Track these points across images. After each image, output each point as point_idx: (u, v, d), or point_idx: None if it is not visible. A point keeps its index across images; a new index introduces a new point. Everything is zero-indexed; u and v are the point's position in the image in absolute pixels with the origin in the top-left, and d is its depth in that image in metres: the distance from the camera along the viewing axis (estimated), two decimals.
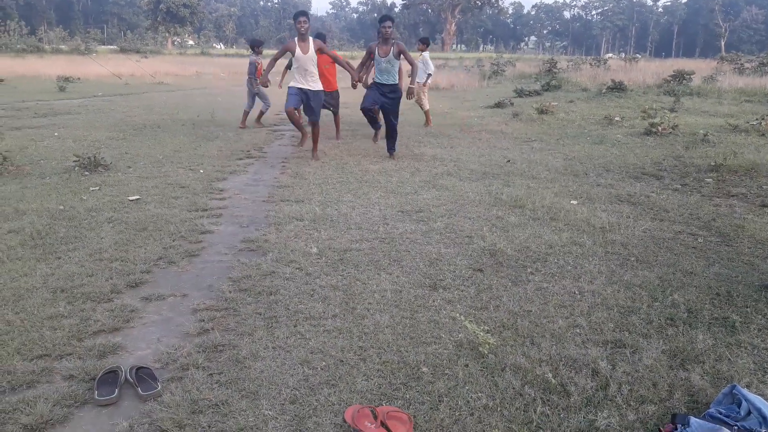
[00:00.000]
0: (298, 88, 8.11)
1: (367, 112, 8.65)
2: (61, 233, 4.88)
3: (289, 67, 10.14)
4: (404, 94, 8.75)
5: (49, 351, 3.03)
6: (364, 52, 9.05)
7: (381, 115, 9.03)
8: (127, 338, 3.23)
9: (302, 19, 7.82)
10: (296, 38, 7.98)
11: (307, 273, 4.17)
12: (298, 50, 7.95)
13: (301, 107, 8.48)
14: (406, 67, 9.34)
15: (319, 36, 9.40)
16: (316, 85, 8.21)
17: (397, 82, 8.44)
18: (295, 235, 5.00)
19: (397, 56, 8.25)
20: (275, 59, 8.21)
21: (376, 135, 9.94)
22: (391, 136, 8.67)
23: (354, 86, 8.73)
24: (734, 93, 17.89)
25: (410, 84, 8.95)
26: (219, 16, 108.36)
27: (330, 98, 10.02)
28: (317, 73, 8.24)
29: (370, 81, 8.77)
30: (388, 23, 8.20)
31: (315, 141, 8.63)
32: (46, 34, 60.15)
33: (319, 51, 8.15)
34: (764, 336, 3.26)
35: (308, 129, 9.30)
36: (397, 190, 6.69)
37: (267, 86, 9.08)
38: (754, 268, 4.34)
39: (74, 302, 3.60)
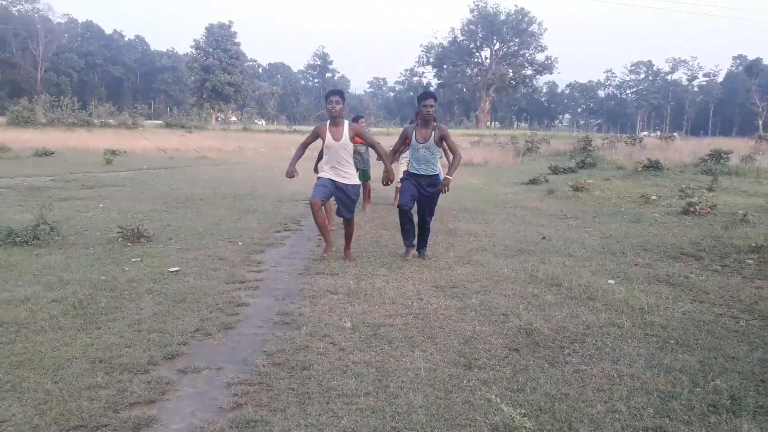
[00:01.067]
0: (329, 179, 6.76)
1: (405, 212, 7.04)
2: (102, 303, 4.99)
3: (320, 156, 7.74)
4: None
5: (86, 422, 3.06)
6: (399, 135, 7.72)
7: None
8: (162, 411, 3.24)
9: (335, 99, 6.55)
10: (327, 122, 6.72)
11: (340, 348, 4.17)
12: (328, 136, 6.62)
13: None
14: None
15: (356, 119, 9.14)
16: (351, 179, 6.80)
17: (437, 172, 7.08)
18: (330, 308, 5.03)
19: (439, 142, 6.92)
20: (305, 145, 6.88)
21: (408, 251, 7.23)
22: (423, 235, 7.21)
23: (386, 183, 6.94)
24: None
25: (447, 174, 7.07)
26: (262, 94, 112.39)
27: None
28: (352, 163, 6.88)
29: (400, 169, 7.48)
30: (430, 101, 6.77)
31: (348, 240, 7.09)
32: (96, 110, 62.89)
33: (356, 137, 6.82)
34: None
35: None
36: (431, 265, 6.71)
37: (293, 176, 6.86)
38: None
39: (112, 373, 3.65)
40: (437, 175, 7.05)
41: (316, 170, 7.93)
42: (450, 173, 6.97)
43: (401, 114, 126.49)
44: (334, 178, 6.72)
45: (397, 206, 7.08)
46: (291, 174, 6.80)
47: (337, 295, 5.47)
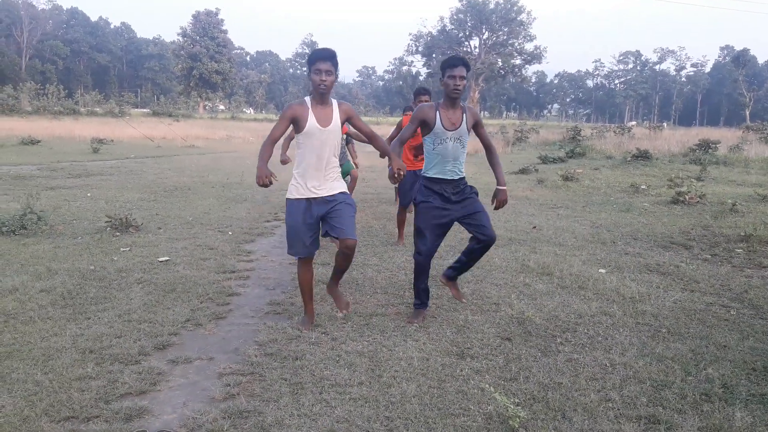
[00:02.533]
0: (306, 200, 4.27)
1: (425, 266, 4.66)
2: (92, 293, 4.94)
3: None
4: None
5: (77, 413, 3.02)
6: (406, 118, 6.75)
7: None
8: (154, 402, 3.21)
9: (324, 67, 4.17)
10: (307, 99, 4.30)
11: (333, 338, 4.15)
12: (311, 120, 4.20)
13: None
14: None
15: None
16: (337, 185, 4.38)
17: (464, 175, 4.73)
18: (321, 298, 5.00)
19: (471, 130, 4.66)
20: (274, 141, 4.20)
21: (417, 314, 4.64)
22: (469, 264, 4.89)
23: (398, 177, 4.35)
24: (761, 162, 17.85)
25: (499, 185, 4.71)
26: (250, 82, 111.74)
27: None
28: (338, 162, 4.45)
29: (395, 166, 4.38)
30: (461, 70, 4.46)
31: (340, 273, 4.59)
32: (83, 98, 62.35)
33: (347, 121, 4.50)
34: None
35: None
36: None
37: (269, 184, 4.20)
38: None
39: (102, 363, 3.61)
40: (464, 179, 4.70)
41: (284, 161, 6.59)
42: (501, 180, 4.71)
43: (390, 103, 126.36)
44: (317, 194, 4.27)
45: (419, 253, 4.60)
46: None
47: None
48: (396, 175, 4.37)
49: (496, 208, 4.77)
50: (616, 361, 3.83)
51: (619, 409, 3.18)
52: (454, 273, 4.90)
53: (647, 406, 3.21)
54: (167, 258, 6.24)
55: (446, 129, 4.51)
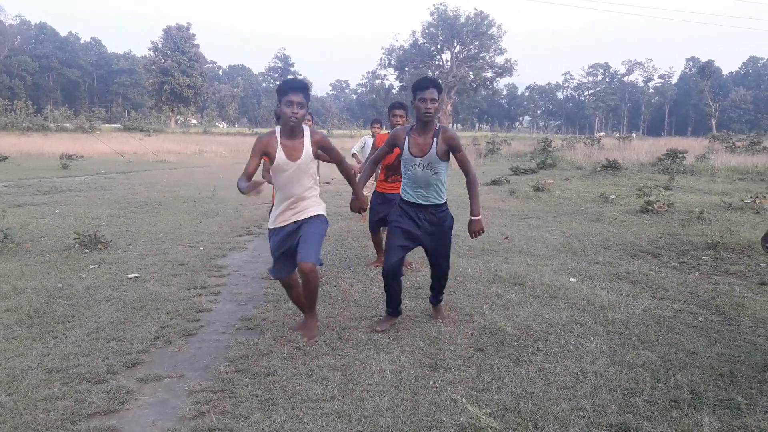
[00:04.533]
0: (281, 228, 4.33)
1: (393, 277, 4.54)
2: (59, 312, 4.85)
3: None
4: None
5: None
6: (380, 137, 6.69)
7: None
8: (122, 421, 3.16)
9: (296, 99, 4.05)
10: (277, 130, 4.21)
11: (305, 353, 4.12)
12: (280, 154, 4.13)
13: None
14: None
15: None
16: (310, 211, 4.33)
17: (442, 201, 4.60)
18: (294, 312, 4.97)
19: (445, 156, 4.45)
20: (249, 176, 4.04)
21: (387, 320, 4.71)
22: (440, 284, 4.86)
23: (358, 211, 4.63)
24: (727, 171, 18.22)
25: (472, 215, 4.63)
26: (222, 96, 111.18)
27: None
28: (318, 187, 4.46)
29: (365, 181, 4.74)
30: (432, 92, 4.35)
31: (308, 301, 4.45)
32: (52, 113, 61.47)
33: (320, 151, 4.37)
34: None
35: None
36: None
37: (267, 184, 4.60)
38: (756, 347, 4.30)
39: (69, 383, 3.54)
40: (443, 205, 4.59)
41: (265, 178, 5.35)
42: (475, 211, 4.61)
43: (364, 116, 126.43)
44: (287, 222, 4.30)
45: (383, 272, 4.54)
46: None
47: (301, 299, 5.40)
48: (356, 210, 4.58)
49: (473, 238, 4.71)
50: (587, 369, 3.86)
51: (590, 418, 3.20)
52: (433, 299, 4.97)
53: (618, 414, 3.24)
54: (137, 274, 6.15)
55: (413, 155, 4.42)
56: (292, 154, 4.14)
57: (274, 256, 4.41)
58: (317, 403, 3.35)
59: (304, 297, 4.43)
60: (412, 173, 4.46)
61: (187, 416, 3.21)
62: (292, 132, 4.14)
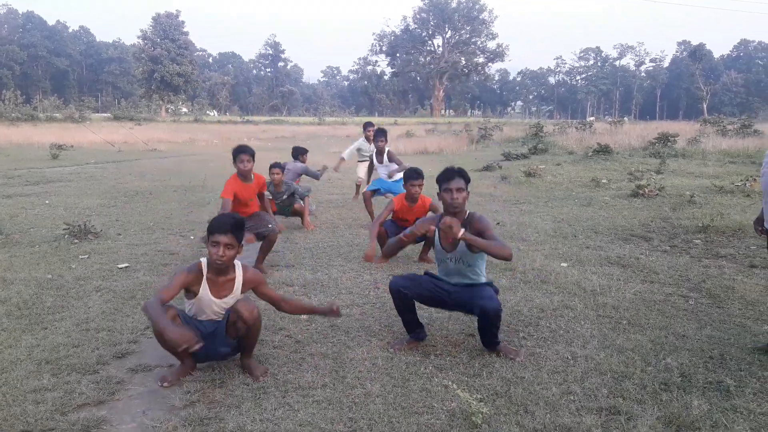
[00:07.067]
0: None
1: (399, 293, 4.00)
2: (48, 303, 4.83)
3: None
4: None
5: (32, 426, 2.95)
6: (398, 204, 6.35)
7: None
8: (112, 411, 3.15)
9: (222, 239, 3.51)
10: (204, 262, 3.65)
11: (296, 341, 4.12)
12: (204, 289, 3.62)
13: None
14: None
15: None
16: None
17: (481, 281, 4.07)
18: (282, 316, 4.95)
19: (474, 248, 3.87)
20: (174, 297, 3.52)
21: (401, 341, 4.11)
22: (491, 330, 3.88)
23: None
24: (718, 154, 18.26)
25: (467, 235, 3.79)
26: (213, 84, 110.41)
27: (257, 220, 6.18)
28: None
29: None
30: (459, 182, 4.17)
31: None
32: (41, 103, 60.96)
33: (253, 291, 3.83)
34: (759, 400, 3.22)
35: None
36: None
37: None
38: (745, 330, 4.32)
39: (59, 374, 3.53)
40: (481, 284, 4.03)
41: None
42: (471, 237, 3.76)
43: (356, 103, 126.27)
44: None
45: (389, 287, 4.08)
46: (185, 344, 3.29)
47: (293, 286, 5.41)
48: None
49: (441, 226, 3.79)
50: (577, 353, 3.87)
51: (580, 402, 3.22)
52: (489, 343, 3.95)
53: (608, 398, 3.26)
54: (127, 264, 6.12)
55: (445, 250, 4.04)
56: (219, 292, 3.64)
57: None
58: (308, 391, 3.35)
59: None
60: (444, 265, 4.09)
61: (178, 406, 3.21)
62: (220, 270, 3.62)
